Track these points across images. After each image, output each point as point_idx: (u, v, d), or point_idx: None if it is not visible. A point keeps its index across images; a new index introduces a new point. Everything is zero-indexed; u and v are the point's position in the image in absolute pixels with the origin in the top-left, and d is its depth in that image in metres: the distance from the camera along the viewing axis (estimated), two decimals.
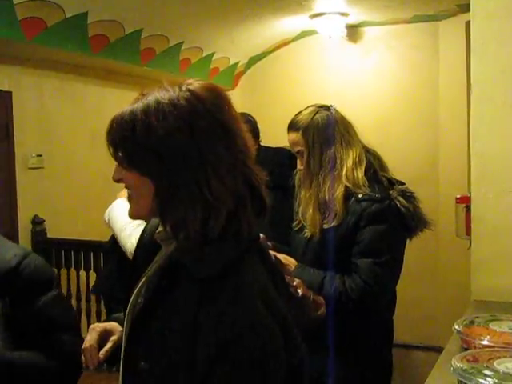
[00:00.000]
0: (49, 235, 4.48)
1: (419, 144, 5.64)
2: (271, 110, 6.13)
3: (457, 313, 2.84)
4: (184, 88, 1.27)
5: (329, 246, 2.26)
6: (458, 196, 3.10)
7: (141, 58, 4.80)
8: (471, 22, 2.72)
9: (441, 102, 5.52)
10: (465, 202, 2.96)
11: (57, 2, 3.85)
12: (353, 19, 5.41)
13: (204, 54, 5.37)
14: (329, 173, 2.30)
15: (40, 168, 4.50)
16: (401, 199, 2.27)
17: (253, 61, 6.09)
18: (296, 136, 2.40)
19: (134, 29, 4.53)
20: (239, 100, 6.22)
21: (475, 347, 2.06)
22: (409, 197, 2.29)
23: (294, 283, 1.61)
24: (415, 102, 5.66)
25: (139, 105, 1.25)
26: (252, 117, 4.70)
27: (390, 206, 2.26)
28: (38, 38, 3.97)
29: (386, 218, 2.24)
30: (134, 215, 1.32)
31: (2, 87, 4.24)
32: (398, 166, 5.53)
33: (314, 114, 2.40)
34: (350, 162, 2.30)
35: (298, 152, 2.40)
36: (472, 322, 2.23)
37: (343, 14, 5.22)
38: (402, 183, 2.43)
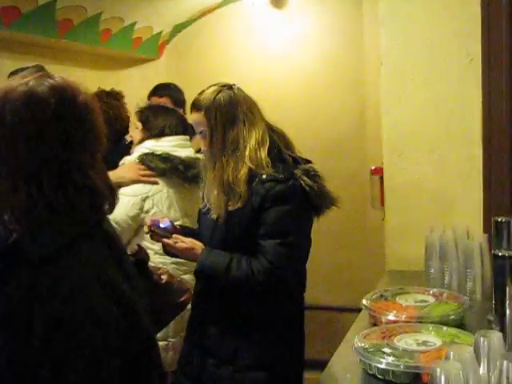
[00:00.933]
0: None
1: (345, 108, 5.66)
2: (198, 78, 6.00)
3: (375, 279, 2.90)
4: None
5: (234, 228, 2.25)
6: (373, 167, 3.13)
7: (58, 30, 4.63)
8: (379, 2, 2.73)
9: (366, 64, 5.52)
10: (379, 173, 2.99)
11: None
12: None
13: (125, 24, 5.22)
14: (232, 154, 2.28)
15: None
16: (305, 178, 2.27)
17: (177, 29, 5.96)
18: (198, 116, 2.37)
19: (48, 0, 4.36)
20: (165, 69, 6.13)
21: (381, 322, 2.11)
22: (313, 175, 2.30)
23: (159, 271, 1.65)
24: (341, 66, 5.65)
25: None
26: (175, 86, 4.65)
27: (294, 186, 2.26)
28: None
29: (289, 198, 2.25)
30: None
31: None
32: (323, 127, 5.64)
33: (217, 94, 2.36)
34: (252, 142, 2.28)
35: (201, 132, 2.37)
36: (381, 296, 2.28)
37: None
38: (308, 161, 2.43)
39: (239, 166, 2.24)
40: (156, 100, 4.51)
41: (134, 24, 5.31)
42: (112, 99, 4.24)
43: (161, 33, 5.77)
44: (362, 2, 5.49)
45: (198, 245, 2.33)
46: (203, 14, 5.86)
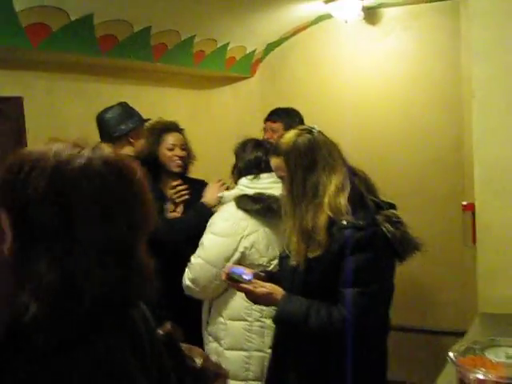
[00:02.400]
0: None
1: (441, 127, 5.48)
2: (291, 94, 6.03)
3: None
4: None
5: (314, 275, 2.21)
6: (465, 203, 3.00)
7: (152, 54, 4.75)
8: (471, 25, 2.61)
9: (463, 83, 5.33)
10: (471, 209, 2.86)
11: (60, 6, 3.81)
12: (369, 1, 5.25)
13: (218, 45, 5.28)
14: (311, 200, 2.24)
15: None
16: (387, 225, 2.19)
17: (270, 47, 5.97)
18: (278, 161, 2.34)
19: (143, 26, 4.46)
20: (259, 87, 6.16)
21: (469, 381, 2.00)
22: (395, 222, 2.22)
23: (194, 351, 1.56)
24: (436, 83, 5.48)
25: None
26: (294, 111, 4.56)
27: (375, 233, 2.19)
28: (44, 44, 3.94)
29: (370, 245, 2.18)
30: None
31: (13, 93, 4.23)
32: (420, 149, 5.48)
33: (296, 138, 2.32)
34: (332, 188, 2.23)
35: (281, 177, 2.34)
36: (469, 349, 2.16)
37: None
38: (392, 206, 2.35)
39: (318, 213, 2.20)
40: (269, 125, 4.43)
41: (227, 44, 5.37)
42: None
43: (254, 51, 5.80)
44: (459, 16, 5.29)
45: (277, 290, 2.30)
46: (296, 32, 5.84)
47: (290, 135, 2.36)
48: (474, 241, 2.75)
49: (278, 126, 4.34)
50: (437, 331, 5.33)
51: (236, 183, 3.12)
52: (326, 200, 2.21)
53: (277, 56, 6.06)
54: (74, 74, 4.62)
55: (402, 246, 2.22)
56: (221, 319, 3.01)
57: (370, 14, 5.52)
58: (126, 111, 4.02)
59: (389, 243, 2.19)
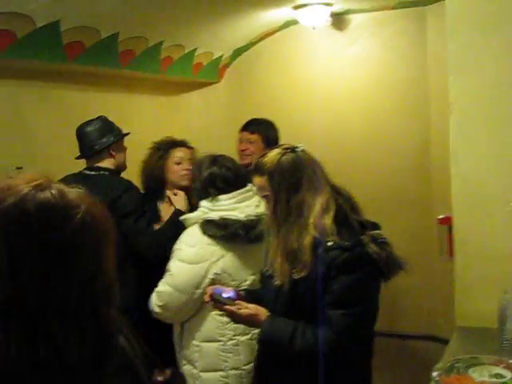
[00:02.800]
0: None
1: (408, 133, 5.52)
2: (259, 100, 6.02)
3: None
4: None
5: (299, 296, 2.19)
6: (441, 217, 3.02)
7: (120, 60, 4.67)
8: (448, 38, 2.62)
9: (430, 88, 5.39)
10: (447, 222, 2.88)
11: (26, 12, 3.72)
12: (337, 8, 5.26)
13: (186, 51, 5.23)
14: (296, 220, 2.22)
15: None
16: (372, 246, 2.18)
17: (237, 52, 5.94)
18: (261, 181, 2.31)
19: (111, 33, 4.39)
20: (226, 92, 6.12)
21: None
22: (381, 243, 2.21)
23: None
24: (403, 89, 5.52)
25: None
26: (270, 123, 4.47)
27: (361, 254, 2.18)
28: (9, 51, 3.85)
29: (356, 267, 2.17)
30: None
31: None
32: (386, 157, 5.53)
33: (280, 157, 2.28)
34: (317, 208, 2.21)
35: (265, 196, 2.31)
36: (452, 368, 2.17)
37: (327, 4, 5.06)
38: (375, 225, 2.34)
39: (303, 233, 2.18)
40: (246, 136, 4.32)
41: (194, 50, 5.33)
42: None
43: (221, 57, 5.77)
44: (426, 22, 5.36)
45: (261, 311, 2.28)
46: (263, 37, 5.83)
47: (274, 154, 2.32)
48: (451, 254, 2.76)
49: (255, 137, 4.26)
50: (405, 335, 5.37)
51: (197, 205, 3.03)
52: (311, 220, 2.19)
53: (244, 61, 6.03)
54: (39, 80, 4.52)
55: (387, 266, 2.21)
56: (194, 342, 2.93)
57: (338, 20, 5.53)
58: (106, 125, 4.02)
59: (374, 264, 2.18)
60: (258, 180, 2.34)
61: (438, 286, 5.11)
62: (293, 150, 2.33)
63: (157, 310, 2.89)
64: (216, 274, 2.86)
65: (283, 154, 2.30)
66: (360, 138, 5.65)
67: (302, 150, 2.34)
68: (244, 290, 2.67)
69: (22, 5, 3.62)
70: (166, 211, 3.77)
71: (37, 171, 1.26)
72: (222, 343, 2.90)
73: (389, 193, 5.57)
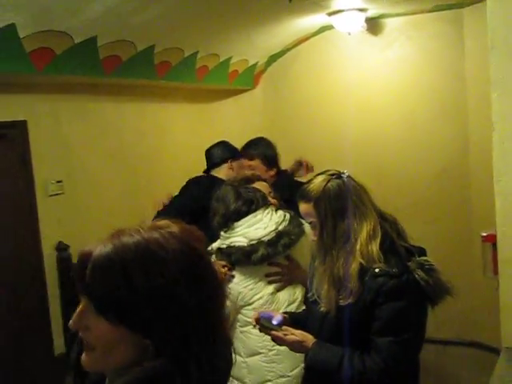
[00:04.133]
0: (74, 261, 4.43)
1: (446, 136, 5.46)
2: (294, 105, 6.02)
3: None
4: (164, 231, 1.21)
5: (346, 324, 2.17)
6: (484, 234, 2.96)
7: (157, 72, 4.70)
8: (490, 54, 2.57)
9: (468, 92, 5.31)
10: (491, 240, 2.83)
11: (64, 30, 3.76)
12: (372, 13, 5.21)
13: (221, 60, 5.24)
14: (342, 247, 2.20)
15: (61, 194, 4.46)
16: (420, 272, 2.15)
17: (272, 59, 5.93)
18: (307, 207, 2.29)
19: (147, 45, 4.42)
20: (261, 99, 6.12)
21: None
22: (428, 269, 2.17)
23: None
24: (440, 92, 5.46)
25: (121, 248, 1.18)
26: (265, 141, 4.41)
27: (408, 281, 2.15)
28: (49, 68, 3.90)
29: (404, 293, 2.14)
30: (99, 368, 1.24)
31: (17, 117, 4.19)
32: (425, 159, 5.47)
33: (326, 184, 2.27)
34: (363, 235, 2.18)
35: (311, 223, 2.30)
36: None
37: (362, 10, 5.02)
38: (422, 251, 2.30)
39: (350, 260, 2.16)
40: (247, 163, 4.26)
41: (229, 58, 5.33)
42: None
43: (256, 64, 5.76)
44: (462, 25, 5.28)
45: (308, 337, 2.27)
46: (298, 43, 5.81)
47: (319, 180, 2.30)
48: (496, 272, 2.72)
49: (256, 163, 4.20)
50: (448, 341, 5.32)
51: (218, 232, 3.19)
52: (358, 247, 2.17)
53: (279, 67, 6.02)
54: (76, 94, 4.58)
55: (434, 292, 2.18)
56: (240, 359, 3.01)
57: (373, 25, 5.49)
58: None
59: (422, 290, 2.16)
60: (303, 206, 2.33)
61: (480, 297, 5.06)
62: (338, 176, 2.31)
63: None
64: (239, 292, 3.01)
65: (329, 181, 2.28)
66: (396, 143, 5.60)
67: (348, 176, 2.32)
68: (289, 312, 2.67)
69: (60, 23, 3.66)
70: None
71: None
72: (264, 355, 2.99)
73: (427, 198, 5.52)
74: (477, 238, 5.07)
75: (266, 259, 2.96)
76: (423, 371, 2.41)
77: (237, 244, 3.01)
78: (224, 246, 3.05)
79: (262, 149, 4.26)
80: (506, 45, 2.53)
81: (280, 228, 2.99)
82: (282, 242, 2.96)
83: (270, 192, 3.49)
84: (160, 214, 4.00)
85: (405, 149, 5.57)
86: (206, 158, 4.35)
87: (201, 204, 3.70)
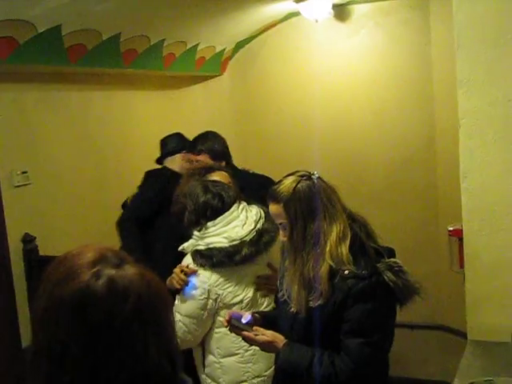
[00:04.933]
0: (41, 253, 4.40)
1: (414, 122, 5.51)
2: (261, 91, 6.01)
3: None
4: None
5: (316, 325, 2.20)
6: (451, 228, 3.01)
7: (123, 60, 4.64)
8: (456, 53, 2.59)
9: (435, 79, 5.35)
10: (457, 234, 2.88)
11: (27, 19, 3.69)
12: None
13: (188, 47, 5.19)
14: (312, 249, 2.21)
15: (26, 184, 4.39)
16: (389, 274, 2.18)
17: (240, 45, 5.90)
18: (277, 208, 2.30)
19: (112, 33, 4.36)
20: (228, 85, 6.10)
21: None
22: (397, 271, 2.21)
23: None
24: (408, 79, 5.49)
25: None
26: (213, 135, 4.34)
27: (378, 282, 2.19)
28: (12, 58, 3.82)
29: (373, 295, 2.17)
30: None
31: None
32: (392, 146, 5.51)
33: (296, 185, 2.27)
34: (333, 237, 2.20)
35: (281, 224, 2.31)
36: None
37: None
38: (391, 252, 2.33)
39: (320, 262, 2.18)
40: (194, 157, 4.23)
41: (196, 45, 5.28)
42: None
43: (224, 50, 5.73)
44: (429, 11, 5.30)
45: (278, 338, 2.29)
46: (265, 29, 5.79)
47: (289, 182, 2.30)
48: (462, 266, 2.77)
49: (203, 157, 4.16)
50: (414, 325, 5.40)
51: (190, 230, 3.10)
52: (328, 249, 2.19)
53: (246, 53, 6.00)
54: (41, 83, 4.49)
55: (403, 293, 2.21)
56: (214, 359, 3.01)
57: (340, 11, 5.49)
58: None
59: (391, 292, 2.19)
60: (273, 207, 2.33)
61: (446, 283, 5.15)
62: (308, 177, 2.31)
63: (179, 341, 2.97)
64: (217, 294, 2.95)
65: (299, 182, 2.28)
66: (363, 130, 5.64)
67: (318, 177, 2.32)
68: (261, 312, 2.69)
69: (23, 11, 3.59)
70: None
71: (94, 244, 1.30)
72: (240, 356, 2.99)
73: (394, 185, 5.58)
74: (442, 225, 5.18)
75: (249, 259, 2.93)
76: (391, 355, 2.44)
77: (217, 245, 2.94)
78: (202, 248, 2.97)
79: (209, 143, 4.21)
80: (472, 44, 2.56)
81: (259, 226, 2.96)
82: (263, 240, 2.93)
83: (229, 182, 3.47)
84: (126, 210, 3.99)
85: (371, 136, 5.61)
86: (161, 146, 4.39)
87: (165, 196, 3.70)
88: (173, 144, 4.32)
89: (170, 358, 1.24)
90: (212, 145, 4.20)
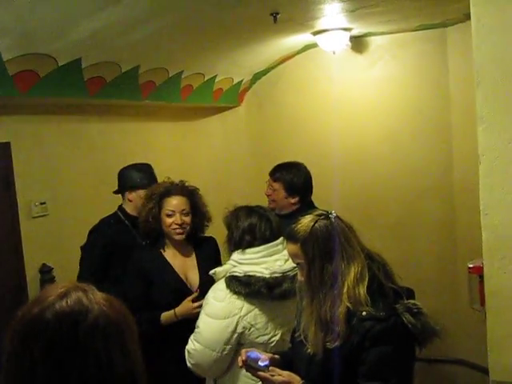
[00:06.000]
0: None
1: (431, 153, 5.50)
2: (278, 122, 6.03)
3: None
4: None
5: (333, 367, 2.16)
6: (471, 265, 2.97)
7: (141, 92, 4.68)
8: (476, 89, 2.57)
9: (452, 110, 5.35)
10: (478, 272, 2.83)
11: (48, 53, 3.73)
12: (356, 31, 5.24)
13: (206, 78, 5.23)
14: (329, 290, 2.18)
15: (44, 215, 4.42)
16: (407, 316, 2.14)
17: (257, 77, 5.95)
18: (295, 248, 2.27)
19: (131, 66, 4.40)
20: (246, 115, 6.12)
21: None
22: (416, 313, 2.16)
23: None
24: (425, 111, 5.50)
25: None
26: (304, 171, 4.14)
27: (396, 324, 2.14)
28: (33, 90, 3.86)
29: (391, 337, 2.13)
30: None
31: (0, 139, 4.15)
32: (409, 177, 5.49)
33: (313, 224, 2.24)
34: (351, 278, 2.17)
35: (298, 264, 2.29)
36: None
37: (346, 29, 5.04)
38: (409, 292, 2.30)
39: (337, 303, 2.14)
40: (270, 182, 4.10)
41: (214, 77, 5.33)
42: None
43: (241, 82, 5.77)
44: (446, 44, 5.32)
45: (295, 378, 2.25)
46: (282, 61, 5.83)
47: (307, 221, 2.27)
48: (483, 303, 2.72)
49: (277, 185, 4.03)
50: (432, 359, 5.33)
51: (230, 253, 2.97)
52: (345, 290, 2.15)
53: (264, 84, 6.04)
54: (60, 115, 4.55)
55: (422, 335, 2.17)
56: None
57: (357, 43, 5.51)
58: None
59: (409, 334, 2.15)
60: (290, 247, 2.30)
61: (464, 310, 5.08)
62: (326, 216, 2.29)
63: (191, 366, 2.88)
64: (244, 328, 2.81)
65: (316, 221, 2.25)
66: (380, 161, 5.63)
67: (336, 217, 2.29)
68: (279, 352, 2.63)
69: (44, 46, 3.64)
70: (172, 257, 3.51)
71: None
72: None
73: (410, 217, 5.55)
74: (461, 258, 5.13)
75: (288, 296, 2.75)
76: None
77: (257, 274, 2.78)
78: (240, 274, 2.81)
79: (289, 175, 4.04)
80: (493, 81, 2.53)
81: None
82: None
83: (182, 210, 3.41)
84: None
85: (388, 167, 5.59)
86: (125, 176, 4.05)
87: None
88: (141, 178, 3.98)
89: (132, 379, 1.29)
90: (291, 177, 4.03)
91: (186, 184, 3.62)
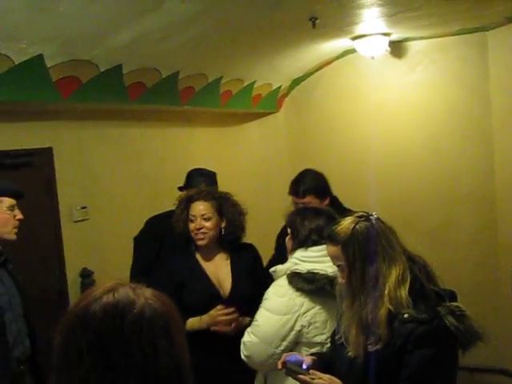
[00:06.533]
0: None
1: (471, 159, 5.42)
2: (317, 128, 6.02)
3: None
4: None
5: (374, 370, 2.13)
6: None
7: (180, 98, 4.72)
8: None
9: (493, 115, 5.27)
10: None
11: (89, 59, 3.79)
12: (395, 36, 5.20)
13: (245, 84, 5.26)
14: (371, 292, 2.15)
15: (85, 220, 4.48)
16: (450, 318, 2.10)
17: (296, 82, 5.95)
18: (335, 250, 2.26)
19: (171, 72, 4.45)
20: (284, 121, 6.13)
21: None
22: (459, 315, 2.12)
23: None
24: (465, 115, 5.43)
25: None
26: (317, 173, 4.11)
27: (439, 327, 2.10)
28: (74, 96, 3.93)
29: (434, 340, 2.10)
30: None
31: (43, 144, 4.22)
32: (448, 183, 5.43)
33: (354, 226, 2.22)
34: (392, 279, 2.14)
35: (339, 266, 2.27)
36: None
37: (385, 34, 5.01)
38: (452, 294, 2.26)
39: (378, 305, 2.12)
40: (299, 201, 3.96)
41: (253, 83, 5.34)
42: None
43: (279, 88, 5.77)
44: (487, 48, 5.25)
45: (336, 382, 2.23)
46: (321, 66, 5.82)
47: (347, 223, 2.24)
48: None
49: (308, 199, 3.89)
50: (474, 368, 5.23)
51: (292, 252, 2.93)
52: (386, 292, 2.12)
53: (302, 90, 6.03)
54: (101, 121, 4.61)
55: (465, 338, 2.13)
56: None
57: (396, 48, 5.48)
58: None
59: (452, 337, 2.11)
60: (331, 249, 2.29)
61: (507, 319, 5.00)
62: (367, 218, 2.26)
63: (244, 358, 2.87)
64: (303, 326, 2.78)
65: (357, 223, 2.23)
66: (421, 166, 5.58)
67: (377, 218, 2.27)
68: (318, 353, 2.61)
69: (86, 52, 3.70)
70: (205, 263, 3.48)
71: None
72: None
73: (450, 223, 5.48)
74: (503, 264, 5.04)
75: None
76: None
77: (321, 272, 2.75)
78: (304, 271, 2.78)
79: (311, 183, 3.98)
80: None
81: None
82: None
83: (203, 215, 3.40)
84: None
85: (428, 172, 5.54)
86: (188, 176, 4.16)
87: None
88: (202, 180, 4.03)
89: (178, 373, 1.30)
90: (313, 184, 3.98)
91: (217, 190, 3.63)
